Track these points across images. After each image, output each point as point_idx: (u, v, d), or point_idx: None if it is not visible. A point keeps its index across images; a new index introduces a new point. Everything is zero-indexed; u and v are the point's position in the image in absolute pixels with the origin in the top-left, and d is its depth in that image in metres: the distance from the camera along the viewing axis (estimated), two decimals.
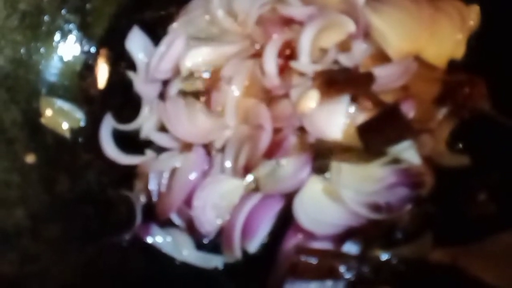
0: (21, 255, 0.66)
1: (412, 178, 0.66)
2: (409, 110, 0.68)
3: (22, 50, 0.76)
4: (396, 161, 0.67)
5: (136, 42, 0.81)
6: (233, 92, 0.74)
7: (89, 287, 0.65)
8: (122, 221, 0.71)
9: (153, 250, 0.70)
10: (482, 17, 0.72)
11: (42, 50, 0.78)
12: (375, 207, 0.65)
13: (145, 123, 0.77)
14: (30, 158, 0.73)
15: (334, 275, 0.61)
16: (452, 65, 0.70)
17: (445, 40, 0.71)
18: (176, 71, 0.78)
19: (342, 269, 0.60)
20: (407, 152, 0.66)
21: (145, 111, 0.78)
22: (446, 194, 0.65)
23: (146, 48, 0.81)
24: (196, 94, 0.77)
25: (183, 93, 0.77)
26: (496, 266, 0.57)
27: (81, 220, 0.72)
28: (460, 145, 0.67)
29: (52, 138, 0.76)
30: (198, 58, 0.77)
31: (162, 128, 0.76)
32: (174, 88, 0.77)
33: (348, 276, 0.60)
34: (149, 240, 0.69)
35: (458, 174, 0.65)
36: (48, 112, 0.76)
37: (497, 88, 0.66)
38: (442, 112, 0.69)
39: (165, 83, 0.79)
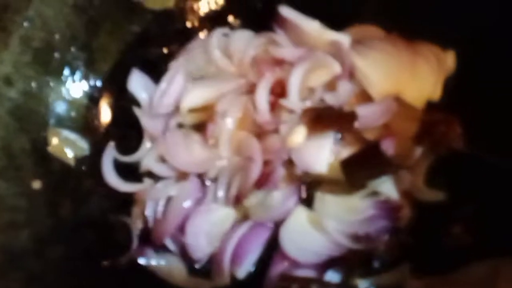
0: (26, 275, 0.68)
1: (391, 211, 0.69)
2: (389, 147, 0.71)
3: (33, 84, 0.79)
4: (376, 193, 0.70)
5: (137, 83, 0.84)
6: (227, 125, 0.77)
7: None
8: (120, 245, 0.73)
9: (148, 273, 0.72)
10: (457, 61, 0.75)
11: (51, 84, 0.81)
12: (355, 237, 0.68)
13: (146, 156, 0.80)
14: (36, 184, 0.75)
15: None
16: (430, 105, 0.74)
17: (423, 82, 0.75)
18: (176, 106, 0.81)
19: None
20: (386, 186, 0.70)
21: (146, 144, 0.81)
22: (423, 226, 0.68)
23: (147, 87, 0.84)
24: (193, 127, 0.80)
25: (181, 126, 0.80)
26: None
27: (82, 243, 0.74)
28: (437, 180, 0.70)
29: (58, 165, 0.78)
30: (196, 97, 0.80)
31: (160, 158, 0.78)
32: (173, 122, 0.80)
33: None
34: (144, 262, 0.72)
35: (434, 207, 0.68)
36: (55, 141, 0.79)
37: (471, 127, 0.70)
38: (419, 150, 0.72)
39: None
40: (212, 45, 0.83)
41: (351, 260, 0.68)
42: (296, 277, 0.67)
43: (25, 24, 0.77)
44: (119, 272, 0.72)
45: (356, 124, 0.73)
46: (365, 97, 0.76)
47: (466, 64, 0.75)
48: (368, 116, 0.73)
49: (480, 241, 0.64)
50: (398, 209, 0.69)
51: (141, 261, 0.72)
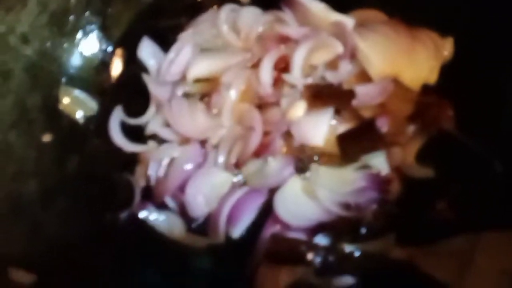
0: (31, 223, 0.72)
1: (381, 184, 0.72)
2: (383, 125, 0.74)
3: (48, 44, 0.82)
4: (367, 167, 0.73)
5: (147, 51, 0.87)
6: (231, 96, 0.80)
7: (90, 254, 0.70)
8: (122, 201, 0.77)
9: (148, 228, 0.75)
10: (455, 48, 0.78)
11: (65, 45, 0.84)
12: (346, 206, 0.71)
13: (152, 120, 0.83)
14: (46, 138, 0.78)
15: (303, 261, 0.66)
16: (425, 88, 0.76)
17: (421, 66, 0.77)
18: (183, 75, 0.84)
19: (310, 256, 0.67)
20: (378, 160, 0.74)
21: (152, 109, 0.83)
22: (410, 200, 0.72)
23: (156, 55, 0.87)
24: (198, 96, 0.83)
25: (187, 95, 0.83)
26: (446, 265, 0.62)
27: (86, 197, 0.77)
28: (427, 158, 0.73)
29: (67, 122, 0.81)
30: (202, 67, 0.83)
31: (165, 123, 0.82)
32: (179, 90, 0.83)
33: (315, 263, 0.67)
34: (144, 215, 0.75)
35: (422, 183, 0.72)
36: (66, 100, 0.82)
37: (462, 111, 0.73)
38: (412, 129, 0.75)
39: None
40: (220, 20, 0.86)
41: (340, 226, 0.71)
42: (286, 238, 0.70)
43: None
44: (121, 226, 0.76)
45: (354, 102, 0.76)
46: (364, 77, 0.78)
47: (463, 51, 0.78)
48: (366, 95, 0.76)
49: (461, 217, 0.68)
50: (387, 182, 0.73)
51: (142, 215, 0.76)
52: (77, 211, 0.76)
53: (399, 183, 0.74)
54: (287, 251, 0.68)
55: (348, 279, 0.67)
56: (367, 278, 0.67)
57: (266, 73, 0.80)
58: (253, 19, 0.85)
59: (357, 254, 0.68)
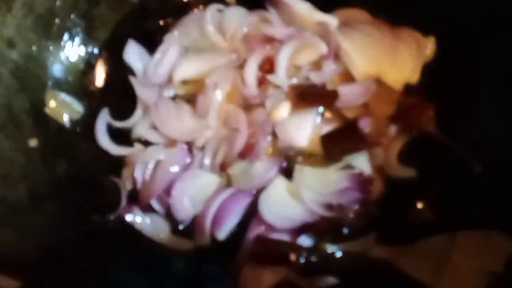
0: (22, 226, 0.72)
1: (363, 184, 0.74)
2: (366, 126, 0.76)
3: (34, 47, 0.82)
4: (350, 167, 0.75)
5: (133, 53, 0.87)
6: (216, 97, 0.80)
7: (78, 256, 0.71)
8: (109, 203, 0.78)
9: (134, 230, 0.77)
10: (437, 48, 0.79)
11: (51, 48, 0.85)
12: (329, 206, 0.73)
13: (139, 123, 0.83)
14: (33, 142, 0.79)
15: (286, 262, 0.68)
16: (408, 88, 0.77)
17: (403, 66, 0.78)
18: (169, 77, 0.84)
19: (293, 257, 0.68)
20: (361, 161, 0.75)
21: (139, 111, 0.84)
22: (390, 200, 0.73)
23: (141, 58, 0.87)
24: (184, 98, 0.84)
25: (173, 96, 0.84)
26: (424, 265, 0.64)
27: (74, 200, 0.78)
28: (408, 159, 0.75)
29: (55, 126, 0.82)
30: (188, 69, 0.83)
31: (152, 125, 0.82)
32: (165, 92, 0.83)
33: (298, 263, 0.68)
34: (130, 219, 0.76)
35: (402, 184, 0.74)
36: (52, 103, 0.82)
37: (443, 112, 0.74)
38: (394, 129, 0.77)
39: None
40: (206, 20, 0.86)
41: (322, 227, 0.72)
42: (270, 239, 0.71)
43: None
44: (108, 228, 0.76)
45: (338, 102, 0.77)
46: (347, 77, 0.80)
47: (445, 51, 0.79)
48: (349, 95, 0.77)
49: (439, 217, 0.69)
50: (369, 183, 0.74)
51: (128, 218, 0.77)
52: (67, 214, 0.77)
53: (381, 183, 0.75)
54: (271, 252, 0.70)
55: (331, 279, 0.69)
56: (349, 278, 0.68)
57: (251, 74, 0.80)
58: (238, 20, 0.86)
59: (339, 254, 0.70)
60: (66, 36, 0.87)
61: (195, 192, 0.77)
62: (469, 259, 0.62)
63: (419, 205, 0.72)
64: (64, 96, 0.85)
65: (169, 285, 0.72)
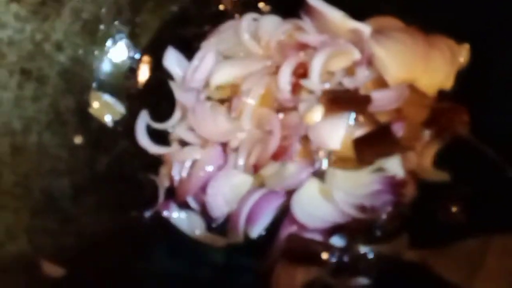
0: (62, 216, 0.76)
1: (395, 187, 0.74)
2: (399, 130, 0.76)
3: (80, 51, 0.87)
4: (383, 170, 0.75)
5: (172, 59, 0.91)
6: (250, 101, 0.83)
7: (115, 249, 0.74)
8: (147, 199, 0.81)
9: (170, 227, 0.79)
10: (471, 55, 0.79)
11: (96, 52, 0.89)
12: (361, 208, 0.73)
13: (178, 125, 0.86)
14: (77, 139, 0.83)
15: (318, 261, 0.69)
16: (441, 94, 0.78)
17: (437, 72, 0.79)
18: (206, 82, 0.87)
19: (325, 256, 0.69)
20: (394, 164, 0.75)
21: (177, 114, 0.87)
22: (424, 203, 0.73)
23: (180, 63, 0.91)
24: (220, 101, 0.87)
25: (210, 99, 0.87)
26: (458, 268, 0.64)
27: (113, 195, 0.81)
28: (442, 163, 0.75)
29: (97, 125, 0.86)
30: (224, 75, 0.86)
31: (189, 127, 0.85)
32: (203, 95, 0.86)
33: (330, 263, 0.69)
34: (167, 216, 0.79)
35: (436, 187, 0.73)
36: (96, 104, 0.87)
37: (477, 117, 0.74)
38: (427, 134, 0.77)
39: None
40: (242, 28, 0.89)
41: (354, 228, 0.73)
42: (302, 238, 0.72)
43: None
44: (145, 223, 0.79)
45: (371, 107, 0.78)
46: (380, 83, 0.80)
47: (479, 58, 0.79)
48: (382, 100, 0.78)
49: (474, 220, 0.69)
50: (402, 186, 0.74)
51: (165, 214, 0.79)
52: (105, 209, 0.80)
53: (413, 186, 0.75)
54: (303, 251, 0.71)
55: (363, 280, 0.69)
56: (381, 279, 0.68)
57: (285, 79, 0.82)
58: (273, 28, 0.88)
59: (371, 255, 0.70)
60: (110, 41, 0.91)
61: (229, 192, 0.79)
62: (504, 263, 0.61)
63: (453, 208, 0.71)
64: (107, 98, 0.89)
65: (202, 277, 0.74)
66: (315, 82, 0.82)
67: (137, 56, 0.93)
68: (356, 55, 0.81)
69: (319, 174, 0.78)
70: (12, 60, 0.78)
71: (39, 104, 0.81)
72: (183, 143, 0.85)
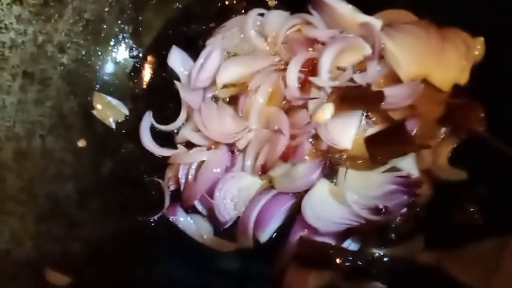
0: (68, 221, 0.75)
1: (410, 187, 0.71)
2: (413, 127, 0.74)
3: (83, 52, 0.85)
4: (396, 169, 0.73)
5: (176, 58, 0.89)
6: (258, 100, 0.81)
7: (121, 255, 0.73)
8: (153, 203, 0.79)
9: (177, 231, 0.78)
10: (486, 48, 0.76)
11: (99, 52, 0.88)
12: (375, 210, 0.71)
13: (184, 127, 0.85)
14: (81, 143, 0.82)
15: (331, 264, 0.67)
16: (456, 89, 0.75)
17: (451, 67, 0.76)
18: (212, 80, 0.85)
19: (338, 260, 0.67)
20: (408, 163, 0.73)
21: (183, 114, 0.85)
22: (439, 203, 0.71)
23: (184, 62, 0.89)
24: (226, 100, 0.85)
25: (216, 98, 0.85)
26: (474, 269, 0.62)
27: (119, 199, 0.80)
28: (458, 161, 0.72)
29: (101, 127, 0.85)
30: (231, 73, 0.84)
31: (195, 128, 0.83)
32: (209, 95, 0.85)
33: (343, 267, 0.67)
34: (174, 220, 0.77)
35: (451, 186, 0.71)
36: (99, 106, 0.85)
37: (493, 112, 0.71)
38: (442, 131, 0.74)
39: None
40: (248, 24, 0.87)
41: (368, 230, 0.71)
42: (314, 241, 0.70)
43: None
44: (151, 228, 0.78)
45: (383, 104, 0.75)
46: (393, 78, 0.78)
47: (494, 51, 0.76)
48: (395, 97, 0.76)
49: (489, 221, 0.67)
50: (417, 185, 0.72)
51: (172, 218, 0.78)
52: (110, 213, 0.79)
53: (429, 186, 0.73)
54: (316, 254, 0.69)
55: (377, 284, 0.67)
56: (396, 283, 0.66)
57: (293, 76, 0.80)
58: (280, 23, 0.86)
59: (385, 258, 0.68)
60: (113, 41, 0.90)
61: (237, 194, 0.78)
62: None
63: (469, 209, 0.69)
64: (111, 99, 0.87)
65: (210, 283, 0.72)
66: (324, 78, 0.79)
67: (140, 55, 0.92)
68: (367, 50, 0.79)
69: (330, 175, 0.76)
70: (14, 63, 0.77)
71: (43, 107, 0.80)
72: (189, 145, 0.84)
